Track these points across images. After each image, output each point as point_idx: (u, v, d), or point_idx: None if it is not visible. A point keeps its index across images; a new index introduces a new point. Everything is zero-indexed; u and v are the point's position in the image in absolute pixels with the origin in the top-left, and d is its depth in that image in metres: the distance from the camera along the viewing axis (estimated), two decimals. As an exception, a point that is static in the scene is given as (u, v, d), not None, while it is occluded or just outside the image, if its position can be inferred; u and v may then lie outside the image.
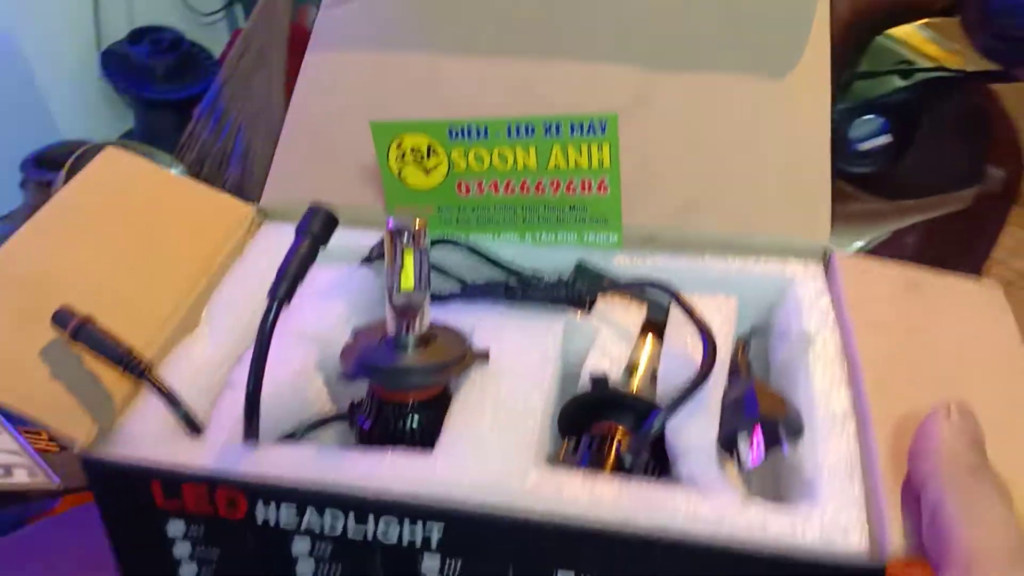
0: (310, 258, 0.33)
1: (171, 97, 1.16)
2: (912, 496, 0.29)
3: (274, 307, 0.31)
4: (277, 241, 0.42)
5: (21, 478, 0.61)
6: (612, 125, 0.38)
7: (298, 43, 1.30)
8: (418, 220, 0.32)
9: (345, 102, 0.46)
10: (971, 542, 0.26)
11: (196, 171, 1.10)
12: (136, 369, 0.32)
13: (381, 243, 0.42)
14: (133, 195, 0.41)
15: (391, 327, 0.33)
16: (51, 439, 0.67)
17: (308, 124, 0.45)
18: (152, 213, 0.40)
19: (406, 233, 0.32)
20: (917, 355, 0.35)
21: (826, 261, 0.40)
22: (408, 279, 0.32)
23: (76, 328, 0.32)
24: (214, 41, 1.29)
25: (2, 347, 0.32)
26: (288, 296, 0.32)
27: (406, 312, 0.33)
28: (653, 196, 0.42)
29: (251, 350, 0.34)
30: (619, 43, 0.46)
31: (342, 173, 0.44)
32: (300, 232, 0.33)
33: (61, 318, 0.32)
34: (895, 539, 0.28)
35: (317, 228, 0.33)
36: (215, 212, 0.42)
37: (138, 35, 1.18)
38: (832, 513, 0.29)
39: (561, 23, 0.47)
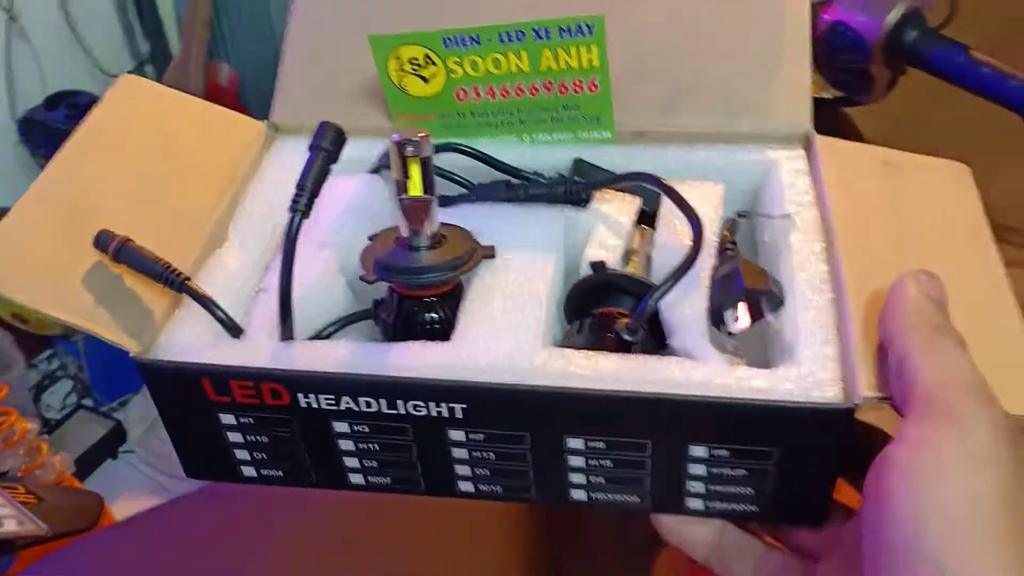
0: (324, 172, 0.35)
1: None
2: (883, 354, 0.32)
3: (296, 219, 0.34)
4: (290, 155, 0.45)
5: (11, 527, 0.66)
6: (599, 27, 0.40)
7: (211, 100, 1.30)
8: (424, 132, 0.35)
9: (343, 20, 0.48)
10: (932, 380, 0.29)
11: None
12: (176, 283, 0.35)
13: (386, 153, 0.44)
14: (154, 117, 0.43)
15: (404, 231, 0.36)
16: (28, 492, 0.72)
17: (308, 43, 0.47)
18: (173, 133, 0.43)
19: (409, 145, 0.34)
20: (890, 227, 0.38)
21: (807, 144, 0.43)
22: (416, 187, 0.35)
23: (117, 249, 0.35)
24: None
25: (54, 269, 0.35)
26: (307, 209, 0.35)
27: (417, 217, 0.36)
28: (642, 92, 0.44)
29: (278, 258, 0.38)
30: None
31: (346, 87, 0.46)
32: (313, 148, 0.35)
33: (102, 241, 0.35)
34: (864, 388, 0.31)
35: (328, 144, 0.35)
36: (231, 130, 0.45)
37: (54, 100, 1.20)
38: (808, 370, 0.33)
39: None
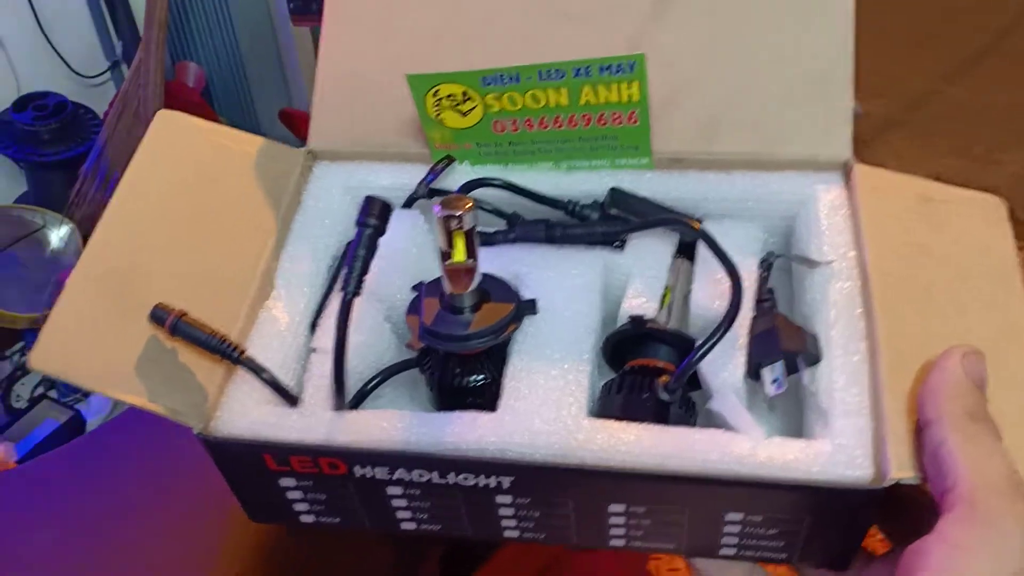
0: (372, 249, 0.36)
1: (59, 158, 1.24)
2: (919, 431, 0.33)
3: (347, 299, 0.35)
4: (328, 186, 0.45)
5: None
6: (640, 65, 0.39)
7: (176, 99, 1.37)
8: (467, 203, 0.35)
9: (374, 43, 0.46)
10: (972, 476, 0.30)
11: (88, 227, 1.18)
12: (232, 356, 0.37)
13: (422, 183, 0.44)
14: (191, 157, 0.43)
15: (447, 290, 0.37)
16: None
17: (341, 67, 0.46)
18: (213, 173, 0.43)
19: (454, 220, 0.35)
20: (923, 271, 0.38)
21: (846, 173, 0.42)
22: (459, 255, 0.36)
23: (173, 325, 0.36)
24: (101, 101, 1.34)
25: (112, 349, 0.37)
26: (357, 290, 0.36)
27: (460, 282, 0.37)
28: (680, 117, 0.44)
29: (327, 311, 0.39)
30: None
31: (381, 110, 0.46)
32: (360, 224, 0.36)
33: (158, 316, 0.37)
34: (895, 469, 0.33)
35: (374, 219, 0.36)
36: (269, 160, 0.45)
37: (23, 102, 1.25)
38: (841, 444, 0.34)
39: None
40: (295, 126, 1.40)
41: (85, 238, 1.17)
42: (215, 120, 1.53)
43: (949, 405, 0.32)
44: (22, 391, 1.15)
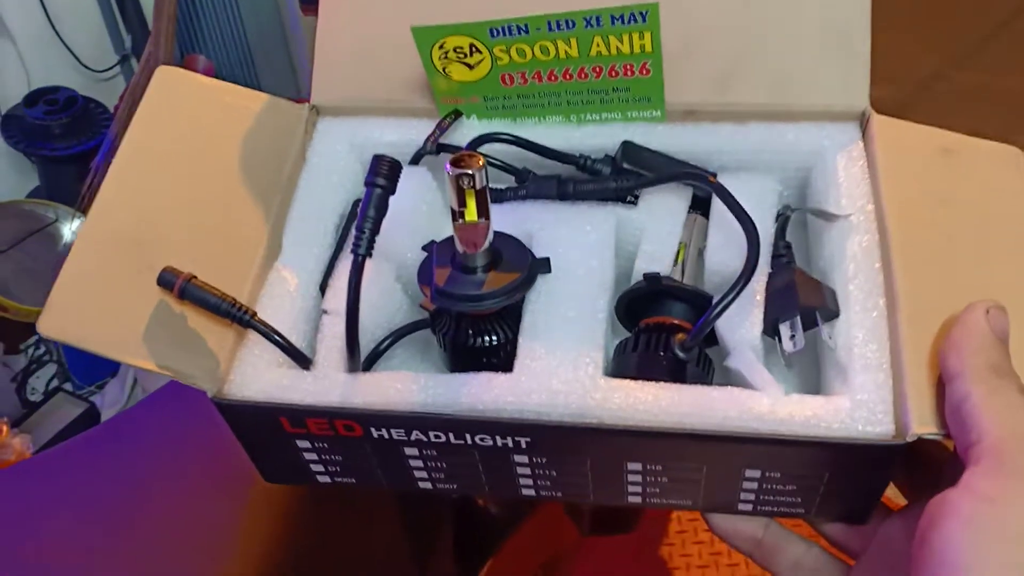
0: (383, 209, 0.35)
1: (70, 152, 1.24)
2: (941, 387, 0.33)
3: (359, 261, 0.35)
4: (332, 141, 0.44)
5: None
6: (653, 14, 0.38)
7: None
8: (479, 161, 0.34)
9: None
10: (998, 430, 0.30)
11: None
12: (243, 320, 0.36)
13: (429, 139, 0.43)
14: (194, 114, 0.42)
15: (460, 250, 0.37)
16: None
17: (342, 20, 0.45)
18: (216, 130, 0.42)
19: (466, 178, 0.34)
20: (943, 226, 0.38)
21: (864, 123, 0.41)
22: (472, 214, 0.35)
23: (181, 288, 0.36)
24: (112, 95, 1.33)
25: (122, 314, 0.36)
26: (369, 250, 0.35)
27: (473, 242, 0.36)
28: (693, 68, 0.43)
29: (337, 271, 0.39)
30: None
31: (385, 63, 0.44)
32: (368, 185, 0.35)
33: (166, 280, 0.36)
34: (916, 424, 0.32)
35: (383, 179, 0.35)
36: (273, 116, 0.44)
37: (33, 97, 1.25)
38: (861, 400, 0.34)
39: None
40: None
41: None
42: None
43: (973, 359, 0.32)
44: (37, 384, 1.15)
